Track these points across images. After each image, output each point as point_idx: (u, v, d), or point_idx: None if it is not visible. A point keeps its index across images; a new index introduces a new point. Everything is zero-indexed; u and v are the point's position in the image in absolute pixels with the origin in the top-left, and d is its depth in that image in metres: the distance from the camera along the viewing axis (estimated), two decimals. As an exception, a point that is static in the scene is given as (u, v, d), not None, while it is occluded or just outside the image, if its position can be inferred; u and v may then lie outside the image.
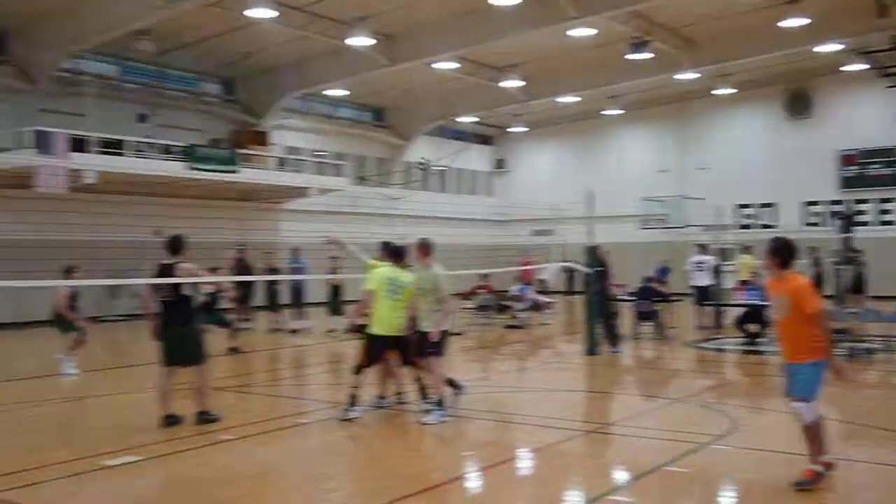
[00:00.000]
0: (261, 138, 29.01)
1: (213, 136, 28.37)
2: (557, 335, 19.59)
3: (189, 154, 24.33)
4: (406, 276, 9.18)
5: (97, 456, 7.55)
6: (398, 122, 35.65)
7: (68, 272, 12.49)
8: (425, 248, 9.24)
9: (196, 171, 23.44)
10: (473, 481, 7.01)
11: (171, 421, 8.73)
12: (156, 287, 8.85)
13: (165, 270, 8.79)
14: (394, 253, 9.48)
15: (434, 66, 27.36)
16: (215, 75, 29.60)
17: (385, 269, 9.32)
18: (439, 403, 8.94)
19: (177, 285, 8.75)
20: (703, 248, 19.79)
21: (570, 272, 24.83)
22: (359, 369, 9.14)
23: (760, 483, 6.61)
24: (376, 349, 9.14)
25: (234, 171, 24.93)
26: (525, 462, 7.65)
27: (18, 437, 9.07)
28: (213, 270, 13.59)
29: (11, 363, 14.69)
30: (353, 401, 9.05)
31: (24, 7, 22.07)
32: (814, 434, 6.40)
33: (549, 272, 16.88)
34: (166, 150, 24.45)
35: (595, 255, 14.96)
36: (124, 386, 12.44)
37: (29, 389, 12.23)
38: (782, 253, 6.43)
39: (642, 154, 36.03)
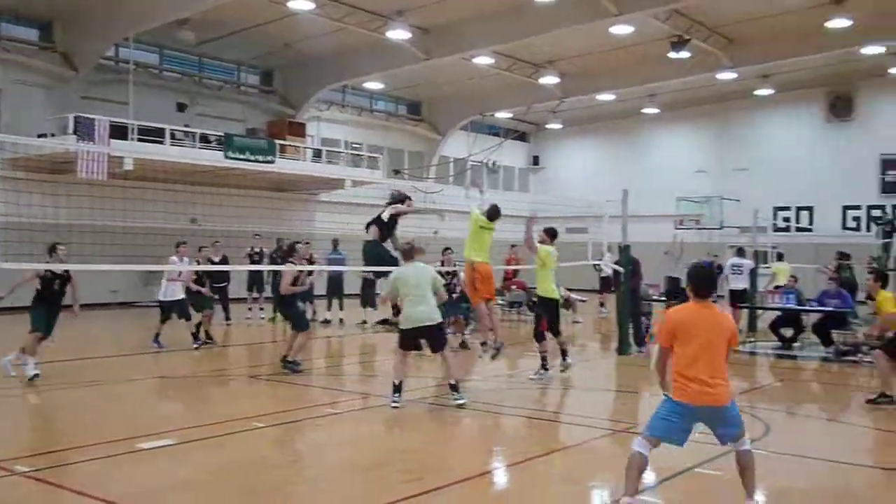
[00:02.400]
0: (297, 129, 29.17)
1: (251, 126, 28.59)
2: (589, 333, 19.50)
3: (226, 143, 24.55)
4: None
5: (132, 439, 7.67)
6: (434, 116, 35.69)
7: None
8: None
9: (233, 161, 23.61)
10: (500, 477, 7.00)
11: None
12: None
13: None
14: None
15: (471, 60, 27.33)
16: (254, 65, 29.82)
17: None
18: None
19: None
20: (740, 252, 19.50)
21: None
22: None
23: (793, 487, 6.54)
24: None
25: (270, 161, 25.09)
26: (554, 460, 7.63)
27: (55, 418, 9.25)
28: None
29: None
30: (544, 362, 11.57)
31: (69, -5, 22.40)
32: None
33: (607, 266, 17.07)
34: (204, 140, 24.68)
35: (628, 255, 14.92)
36: (154, 371, 12.61)
37: (65, 371, 12.45)
38: None
39: (680, 154, 35.69)
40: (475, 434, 8.71)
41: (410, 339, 9.69)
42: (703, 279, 5.70)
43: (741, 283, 18.52)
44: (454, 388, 9.57)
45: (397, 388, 9.43)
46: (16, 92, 23.19)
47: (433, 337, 9.70)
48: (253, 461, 7.14)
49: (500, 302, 21.41)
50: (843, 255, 19.77)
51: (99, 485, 6.26)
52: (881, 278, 11.30)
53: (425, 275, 9.81)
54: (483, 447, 8.09)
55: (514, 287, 21.59)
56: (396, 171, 33.43)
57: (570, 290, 22.35)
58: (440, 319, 9.81)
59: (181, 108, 26.75)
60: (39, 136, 21.16)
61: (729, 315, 5.71)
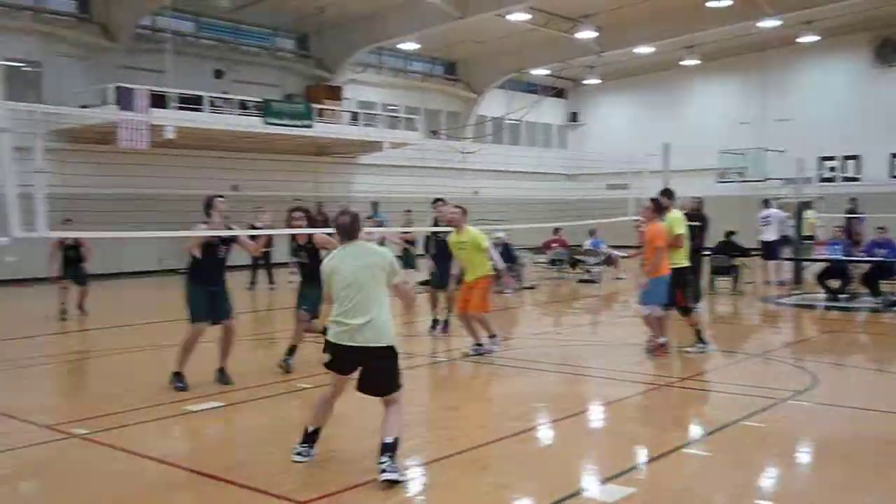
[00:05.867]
0: (334, 93, 29.17)
1: (288, 92, 28.66)
2: (632, 289, 19.35)
3: (264, 109, 24.63)
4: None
5: (182, 401, 7.83)
6: (470, 76, 35.41)
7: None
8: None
9: (271, 126, 23.71)
10: (546, 432, 7.03)
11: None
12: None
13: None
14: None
15: (506, 17, 27.00)
16: (289, 30, 29.81)
17: None
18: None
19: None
20: (766, 203, 19.20)
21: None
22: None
23: (836, 438, 6.49)
24: None
25: (308, 126, 25.15)
26: (598, 415, 7.64)
27: (98, 383, 9.47)
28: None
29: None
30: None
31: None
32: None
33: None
34: (242, 106, 24.79)
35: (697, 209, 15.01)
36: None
37: (104, 337, 12.71)
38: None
39: (721, 106, 35.05)
40: (517, 391, 8.72)
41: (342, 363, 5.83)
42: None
43: (771, 235, 18.29)
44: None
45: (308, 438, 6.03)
46: (56, 64, 23.46)
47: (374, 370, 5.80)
48: (297, 421, 7.23)
49: (542, 260, 21.44)
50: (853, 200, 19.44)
51: (150, 445, 6.42)
52: None
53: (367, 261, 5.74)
54: (526, 404, 8.09)
55: (555, 245, 21.50)
56: (434, 132, 33.34)
57: (612, 247, 22.28)
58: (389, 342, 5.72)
59: (218, 74, 26.87)
60: (81, 107, 21.42)
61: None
